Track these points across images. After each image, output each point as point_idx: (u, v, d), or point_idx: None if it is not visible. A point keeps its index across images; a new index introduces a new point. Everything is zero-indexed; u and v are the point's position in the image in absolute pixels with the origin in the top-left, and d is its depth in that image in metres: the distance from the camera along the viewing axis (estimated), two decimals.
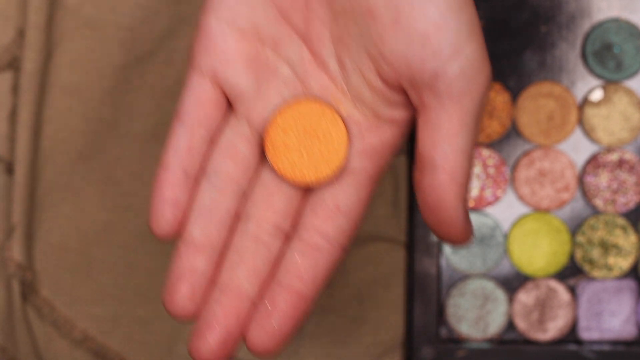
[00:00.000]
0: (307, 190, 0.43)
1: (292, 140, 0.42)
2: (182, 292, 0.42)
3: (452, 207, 0.41)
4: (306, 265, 0.42)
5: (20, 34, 0.63)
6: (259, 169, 0.43)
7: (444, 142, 0.40)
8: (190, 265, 0.42)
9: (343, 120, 0.42)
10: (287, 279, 0.42)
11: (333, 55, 0.42)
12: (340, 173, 0.42)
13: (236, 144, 0.42)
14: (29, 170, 0.63)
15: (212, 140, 0.43)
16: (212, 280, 0.42)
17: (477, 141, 0.42)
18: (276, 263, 0.42)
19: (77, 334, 0.64)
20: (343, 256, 0.43)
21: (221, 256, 0.43)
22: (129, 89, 0.63)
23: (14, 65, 0.63)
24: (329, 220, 0.42)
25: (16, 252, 0.63)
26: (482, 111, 0.41)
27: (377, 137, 0.42)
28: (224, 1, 0.42)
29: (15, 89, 0.63)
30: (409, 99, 0.42)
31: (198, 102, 0.42)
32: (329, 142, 0.42)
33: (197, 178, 0.42)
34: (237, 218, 0.43)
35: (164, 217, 0.42)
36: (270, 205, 0.42)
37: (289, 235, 0.43)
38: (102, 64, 0.63)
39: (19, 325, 0.63)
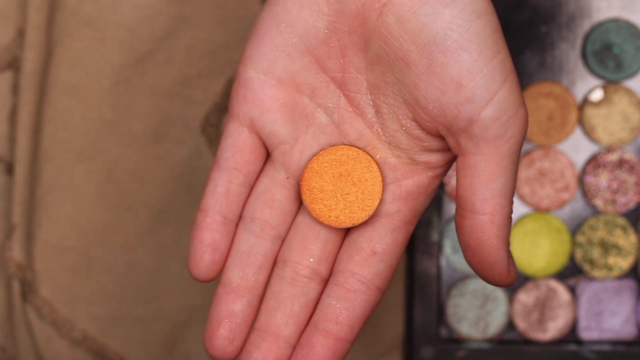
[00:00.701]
0: (343, 235, 0.44)
1: (327, 184, 0.43)
2: (222, 335, 0.43)
3: (493, 249, 0.41)
4: (342, 309, 0.42)
5: (20, 33, 0.63)
6: (295, 214, 0.44)
7: (482, 186, 0.41)
8: (229, 309, 0.43)
9: (378, 165, 0.43)
10: (323, 322, 0.42)
11: (370, 102, 0.43)
12: (375, 216, 0.43)
13: (273, 191, 0.43)
14: (29, 170, 0.63)
15: (250, 186, 0.44)
16: (251, 324, 0.43)
17: (516, 181, 0.42)
18: (313, 307, 0.43)
19: (77, 333, 0.64)
20: (380, 298, 0.43)
21: (259, 301, 0.43)
22: (129, 88, 0.63)
23: (14, 65, 0.63)
24: (365, 264, 0.43)
25: (16, 252, 0.63)
26: (519, 153, 0.41)
27: (412, 181, 0.43)
28: (261, 52, 0.43)
29: (15, 88, 0.63)
30: (446, 143, 0.42)
31: (236, 149, 0.43)
32: (364, 186, 0.43)
33: (235, 223, 0.43)
34: (274, 263, 0.44)
35: (203, 260, 0.43)
36: (307, 249, 0.43)
37: (325, 279, 0.43)
38: (102, 63, 0.62)
39: (18, 325, 0.63)
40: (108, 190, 0.63)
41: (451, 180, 0.64)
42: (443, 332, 0.64)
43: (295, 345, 0.43)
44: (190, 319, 0.64)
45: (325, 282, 0.43)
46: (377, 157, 0.43)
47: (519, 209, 0.64)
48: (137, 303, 0.64)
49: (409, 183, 0.43)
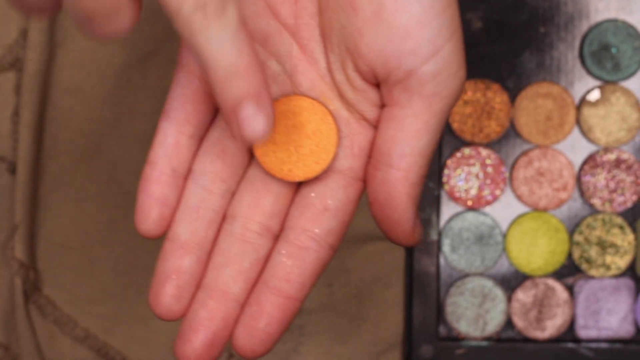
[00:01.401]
0: (295, 189, 0.42)
1: (280, 136, 0.41)
2: (168, 293, 0.41)
3: (402, 206, 0.40)
4: (293, 267, 0.41)
5: (23, 34, 0.63)
6: (247, 167, 0.42)
7: (404, 141, 0.40)
8: (176, 265, 0.41)
9: (333, 117, 0.41)
10: (273, 280, 0.41)
11: (322, 51, 0.41)
12: (327, 172, 0.41)
13: (224, 142, 0.41)
14: (31, 170, 0.63)
15: (200, 138, 0.42)
16: (199, 281, 0.41)
17: (437, 145, 0.41)
18: (264, 264, 0.41)
19: (79, 332, 0.64)
20: (333, 255, 0.42)
21: (208, 257, 0.41)
22: (131, 89, 0.63)
23: (16, 65, 0.63)
24: (317, 220, 0.41)
25: (19, 250, 0.63)
26: (448, 116, 0.40)
27: (365, 137, 0.41)
28: None
29: (18, 89, 0.63)
30: None
31: (186, 98, 0.41)
32: (318, 139, 0.41)
33: (184, 177, 0.41)
34: (224, 218, 0.42)
35: (150, 215, 0.41)
36: (258, 204, 0.41)
37: (276, 235, 0.42)
38: (104, 64, 0.63)
39: (21, 323, 0.63)
40: (110, 189, 0.63)
41: (449, 180, 0.64)
42: (442, 330, 0.65)
43: (244, 304, 0.41)
44: None
45: (276, 238, 0.41)
46: (331, 108, 0.41)
47: (517, 208, 0.64)
48: (139, 302, 0.64)
49: (361, 139, 0.41)
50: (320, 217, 0.41)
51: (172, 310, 0.41)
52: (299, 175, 0.41)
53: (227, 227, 0.42)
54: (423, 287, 0.64)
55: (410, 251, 0.64)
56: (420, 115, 0.39)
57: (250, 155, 0.42)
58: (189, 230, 0.41)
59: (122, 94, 0.63)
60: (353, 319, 0.64)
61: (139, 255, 0.64)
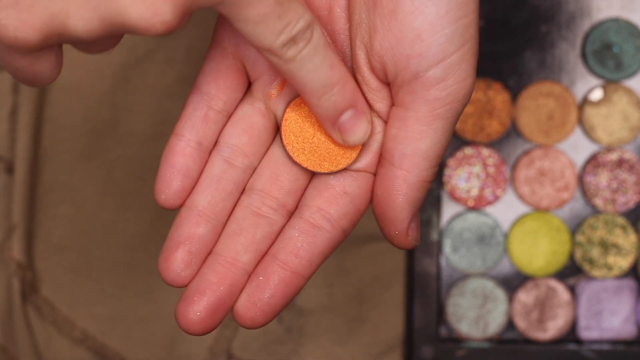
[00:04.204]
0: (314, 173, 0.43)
1: (308, 128, 0.42)
2: (179, 258, 0.41)
3: (397, 205, 0.40)
4: (304, 243, 0.41)
5: None
6: (269, 146, 0.43)
7: (406, 141, 0.40)
8: (191, 232, 0.41)
9: None
10: (283, 254, 0.41)
11: (348, 45, 0.41)
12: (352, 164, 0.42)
13: (253, 118, 0.42)
14: (29, 170, 0.63)
15: (228, 115, 0.42)
16: (210, 250, 0.41)
17: (444, 151, 0.41)
18: (275, 239, 0.42)
19: (77, 333, 0.64)
20: (342, 240, 0.42)
21: (222, 228, 0.42)
22: (129, 88, 0.63)
23: None
24: (333, 202, 0.41)
25: (16, 251, 0.63)
26: (455, 122, 0.40)
27: (381, 135, 0.42)
28: None
29: (15, 88, 0.63)
30: None
31: (219, 73, 0.42)
32: None
33: (209, 151, 0.42)
34: (243, 191, 0.42)
35: (172, 185, 0.41)
36: (277, 180, 0.42)
37: (291, 213, 0.42)
38: (102, 63, 0.63)
39: (19, 324, 0.63)
40: (108, 189, 0.63)
41: (451, 180, 0.64)
42: (443, 331, 0.64)
43: (251, 274, 0.41)
44: None
45: (290, 216, 0.42)
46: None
47: (518, 208, 0.64)
48: (137, 303, 0.64)
49: (379, 136, 0.41)
50: (338, 199, 0.42)
51: (181, 276, 0.41)
52: (323, 168, 0.42)
53: (244, 199, 0.42)
54: (424, 287, 0.64)
55: (410, 252, 0.64)
56: (423, 118, 0.40)
57: (274, 135, 0.43)
58: (208, 200, 0.41)
59: (120, 94, 0.63)
60: (353, 320, 0.64)
61: (137, 256, 0.64)
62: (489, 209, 0.64)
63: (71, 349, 0.64)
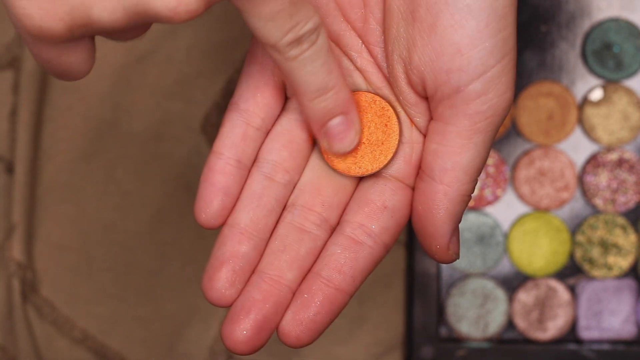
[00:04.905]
0: (355, 185, 0.43)
1: None
2: (223, 277, 0.40)
3: (438, 220, 0.40)
4: (347, 259, 0.41)
5: None
6: (308, 158, 0.43)
7: (446, 155, 0.40)
8: (234, 250, 0.41)
9: (399, 120, 0.42)
10: (326, 270, 0.41)
11: (384, 58, 0.42)
12: (385, 175, 0.42)
13: (292, 133, 0.42)
14: (29, 170, 0.63)
15: (266, 132, 0.42)
16: (254, 268, 0.41)
17: (484, 164, 0.41)
18: (318, 255, 0.42)
19: (77, 333, 0.64)
20: (385, 255, 0.42)
21: (265, 245, 0.42)
22: (129, 88, 0.63)
23: (14, 64, 0.63)
24: (375, 217, 0.41)
25: (16, 251, 0.63)
26: (494, 135, 0.40)
27: (421, 148, 0.42)
28: None
29: (15, 87, 0.63)
30: None
31: (257, 90, 0.42)
32: (380, 140, 0.42)
33: (249, 168, 0.42)
34: (285, 208, 0.42)
35: (212, 204, 0.41)
36: (318, 195, 0.42)
37: (333, 228, 0.42)
38: (102, 63, 0.63)
39: (19, 324, 0.63)
40: (108, 189, 0.63)
41: None
42: (443, 331, 0.64)
43: (295, 292, 0.41)
44: (190, 319, 0.64)
45: (333, 231, 0.42)
46: (398, 110, 0.42)
47: (518, 208, 0.64)
48: (137, 302, 0.64)
49: (418, 149, 0.42)
50: (379, 214, 0.42)
51: (225, 295, 0.41)
52: (356, 170, 0.42)
53: (286, 216, 0.42)
54: (424, 287, 0.64)
55: (411, 252, 0.64)
56: (463, 132, 0.40)
57: (312, 147, 0.43)
58: (250, 217, 0.41)
59: (120, 93, 0.63)
60: (353, 320, 0.64)
61: (137, 256, 0.64)
62: (489, 209, 0.64)
63: (71, 349, 0.64)
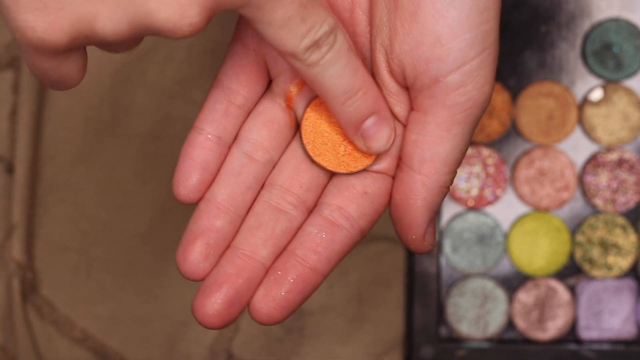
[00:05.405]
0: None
1: (328, 128, 0.42)
2: (197, 250, 0.40)
3: (415, 210, 0.40)
4: (323, 240, 0.41)
5: None
6: (290, 141, 0.43)
7: (425, 146, 0.40)
8: (209, 224, 0.41)
9: None
10: (301, 249, 0.41)
11: (369, 48, 0.42)
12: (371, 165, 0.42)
13: (273, 112, 0.42)
14: (29, 170, 0.63)
15: (248, 111, 0.42)
16: (229, 243, 0.41)
17: (463, 156, 0.41)
18: (294, 235, 0.42)
19: (77, 333, 0.64)
20: (360, 240, 0.42)
21: (241, 221, 0.42)
22: (129, 88, 0.63)
23: (14, 64, 0.63)
24: (353, 202, 0.41)
25: (16, 251, 0.63)
26: (474, 127, 0.40)
27: (400, 139, 0.42)
28: None
29: (15, 88, 0.63)
30: None
31: (241, 68, 0.42)
32: None
33: (229, 145, 0.42)
34: (263, 187, 0.42)
35: (190, 179, 0.41)
36: (297, 177, 0.42)
37: (310, 210, 0.42)
38: (102, 62, 0.63)
39: (19, 324, 0.63)
40: (108, 189, 0.63)
41: None
42: (443, 331, 0.64)
43: (269, 268, 0.41)
44: (190, 319, 0.64)
45: (309, 213, 0.42)
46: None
47: (518, 208, 0.64)
48: (137, 302, 0.64)
49: (398, 140, 0.41)
50: (358, 199, 0.41)
51: (199, 268, 0.41)
52: (343, 167, 0.42)
53: (264, 194, 0.42)
54: (424, 287, 0.64)
55: (410, 252, 0.64)
56: (442, 124, 0.40)
57: (295, 132, 0.43)
58: (227, 192, 0.41)
59: (120, 93, 0.63)
60: (353, 320, 0.64)
61: (137, 255, 0.64)
62: (489, 209, 0.64)
63: (71, 349, 0.64)
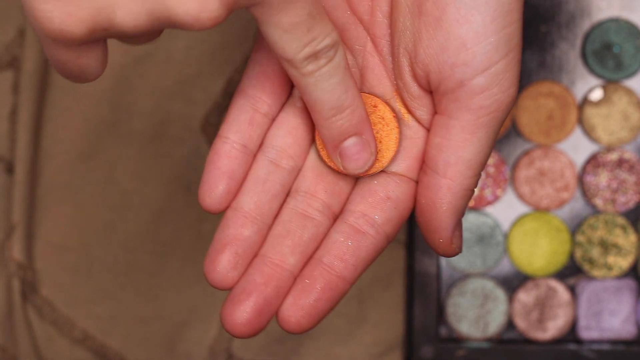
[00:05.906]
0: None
1: None
2: (225, 259, 0.40)
3: (441, 213, 0.41)
4: (349, 248, 0.41)
5: (21, 33, 0.63)
6: (313, 142, 0.43)
7: (450, 149, 0.40)
8: (237, 233, 0.41)
9: (396, 119, 0.42)
10: (328, 257, 0.41)
11: (389, 51, 0.42)
12: (388, 168, 0.42)
13: (296, 119, 0.42)
14: (29, 170, 0.63)
15: (272, 118, 0.42)
16: (256, 251, 0.41)
17: (487, 159, 0.41)
18: (320, 242, 0.42)
19: (77, 333, 0.64)
20: (386, 246, 0.42)
21: (268, 230, 0.42)
22: (129, 88, 0.63)
23: (14, 64, 0.63)
24: (378, 207, 0.42)
25: (16, 251, 0.63)
26: (497, 130, 0.40)
27: (423, 142, 0.42)
28: None
29: (15, 88, 0.63)
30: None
31: (265, 76, 0.42)
32: (379, 138, 0.42)
33: (254, 154, 0.42)
34: (289, 194, 0.42)
35: (217, 188, 0.41)
36: (322, 182, 0.42)
37: (336, 216, 0.42)
38: None
39: (19, 324, 0.63)
40: (108, 189, 0.63)
41: None
42: (443, 331, 0.64)
43: (297, 276, 0.41)
44: (190, 319, 0.64)
45: (336, 219, 0.42)
46: (395, 109, 0.42)
47: (518, 208, 0.64)
48: (137, 302, 0.64)
49: (420, 143, 0.42)
50: (382, 204, 0.42)
51: (227, 277, 0.41)
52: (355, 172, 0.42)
53: (290, 202, 0.42)
54: (424, 287, 0.64)
55: (411, 252, 0.64)
56: (467, 127, 0.40)
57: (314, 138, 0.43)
58: (254, 201, 0.41)
59: (119, 93, 0.63)
60: (353, 320, 0.64)
61: (137, 255, 0.64)
62: (489, 209, 0.64)
63: (71, 349, 0.64)
